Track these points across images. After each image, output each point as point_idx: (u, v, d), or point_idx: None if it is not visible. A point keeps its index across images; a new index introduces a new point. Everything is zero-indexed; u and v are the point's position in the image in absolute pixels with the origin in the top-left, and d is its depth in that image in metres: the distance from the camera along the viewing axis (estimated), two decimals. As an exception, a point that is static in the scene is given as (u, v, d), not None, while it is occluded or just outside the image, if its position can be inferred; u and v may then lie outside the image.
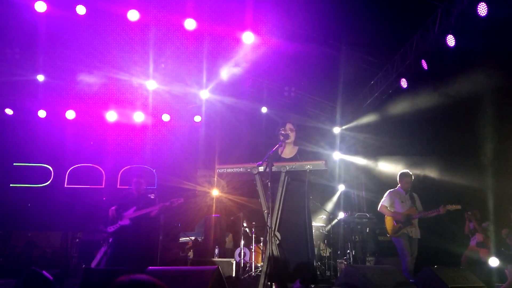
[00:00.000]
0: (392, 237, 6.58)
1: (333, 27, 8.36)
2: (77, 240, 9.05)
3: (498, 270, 6.85)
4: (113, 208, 6.71)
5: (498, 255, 7.27)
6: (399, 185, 6.81)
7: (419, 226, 6.57)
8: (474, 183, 7.62)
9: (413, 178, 6.80)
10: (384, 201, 6.78)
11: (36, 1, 8.04)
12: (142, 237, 7.19)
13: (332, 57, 8.97)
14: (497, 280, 6.56)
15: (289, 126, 5.45)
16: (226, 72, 9.50)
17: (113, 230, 6.64)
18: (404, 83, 8.46)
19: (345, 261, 8.37)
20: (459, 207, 6.28)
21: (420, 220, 6.60)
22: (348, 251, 8.48)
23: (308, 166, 4.85)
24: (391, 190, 6.83)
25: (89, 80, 9.53)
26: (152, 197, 7.12)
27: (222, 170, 5.17)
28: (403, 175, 6.81)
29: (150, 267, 4.60)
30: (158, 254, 7.63)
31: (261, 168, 4.97)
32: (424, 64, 7.76)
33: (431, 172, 8.43)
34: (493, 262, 7.21)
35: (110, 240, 6.79)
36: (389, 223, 6.63)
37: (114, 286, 1.79)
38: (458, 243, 8.04)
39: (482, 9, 6.15)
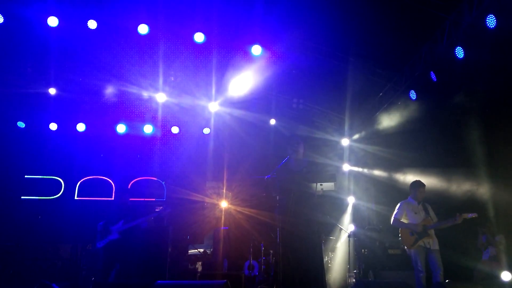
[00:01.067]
0: (408, 250, 6.40)
1: (342, 39, 8.39)
2: (86, 252, 9.07)
3: (511, 284, 6.74)
4: (101, 223, 6.73)
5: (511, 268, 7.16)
6: (410, 195, 6.70)
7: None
8: (486, 194, 7.54)
9: (422, 185, 6.70)
10: (397, 213, 6.59)
11: (49, 16, 8.20)
12: (148, 251, 7.21)
13: (340, 69, 8.99)
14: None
15: (297, 139, 5.48)
16: (236, 87, 9.58)
17: (102, 245, 6.64)
18: (413, 94, 8.44)
19: (354, 274, 8.28)
20: (475, 215, 6.12)
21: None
22: (358, 265, 8.39)
23: (320, 186, 4.87)
24: (403, 201, 6.68)
25: (99, 93, 9.67)
26: (158, 210, 7.15)
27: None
28: (416, 184, 6.67)
29: (159, 281, 4.60)
30: (167, 266, 7.61)
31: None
32: (433, 76, 7.74)
33: (442, 184, 8.36)
34: (506, 276, 7.09)
35: (101, 255, 6.75)
36: (404, 235, 6.43)
37: None
38: (470, 257, 7.91)
39: (491, 21, 6.13)
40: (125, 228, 6.66)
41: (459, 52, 6.85)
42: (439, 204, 6.91)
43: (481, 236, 7.95)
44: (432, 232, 6.33)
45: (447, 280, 5.94)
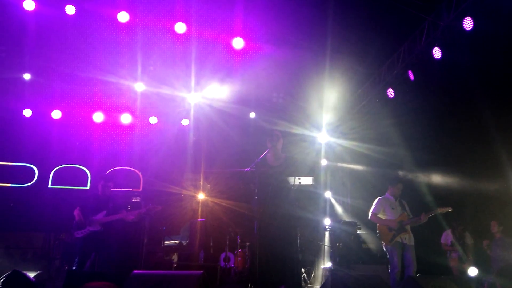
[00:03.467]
0: (385, 245, 6.51)
1: (322, 35, 8.44)
2: (59, 241, 8.95)
3: (477, 279, 6.99)
4: (77, 210, 6.48)
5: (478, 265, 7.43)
6: (387, 192, 6.83)
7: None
8: (456, 191, 7.78)
9: (400, 182, 6.84)
10: (375, 209, 6.71)
11: (25, -1, 7.97)
12: (124, 241, 7.12)
13: (319, 64, 9.06)
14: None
15: (276, 133, 5.51)
16: (216, 78, 9.56)
17: (81, 236, 6.40)
18: (391, 93, 8.59)
19: (329, 268, 8.43)
20: (450, 209, 6.30)
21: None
22: (333, 258, 8.54)
23: (298, 180, 4.93)
24: (380, 197, 6.81)
25: (76, 80, 9.48)
26: (138, 200, 7.06)
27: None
28: (393, 181, 6.83)
29: (135, 271, 4.58)
30: (142, 257, 7.58)
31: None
32: (411, 75, 7.90)
33: (417, 180, 8.57)
34: (472, 271, 7.35)
35: (78, 245, 6.50)
36: (383, 231, 6.54)
37: None
38: (441, 253, 8.16)
39: (468, 23, 6.30)
40: (108, 221, 6.53)
41: (437, 53, 7.01)
42: (414, 200, 7.08)
43: (448, 234, 8.18)
44: (408, 228, 6.48)
45: (418, 275, 6.12)
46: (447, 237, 8.26)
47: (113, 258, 6.82)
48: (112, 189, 6.97)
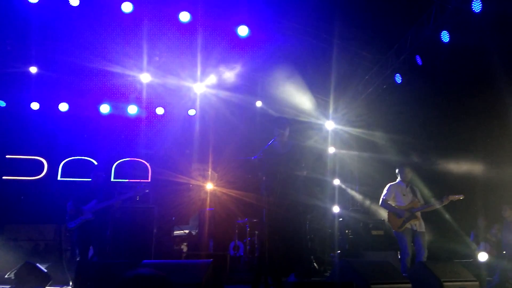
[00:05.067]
0: (395, 231, 6.48)
1: (328, 21, 8.34)
2: (70, 233, 9.03)
3: (487, 264, 6.95)
4: (69, 203, 6.58)
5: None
6: (398, 178, 6.79)
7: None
8: (468, 177, 7.70)
9: (410, 168, 6.79)
10: (385, 195, 6.66)
11: (29, -9, 7.95)
12: (134, 231, 7.17)
13: (326, 51, 8.98)
14: (487, 275, 6.66)
15: (283, 121, 5.49)
16: (222, 68, 9.50)
17: (74, 225, 6.50)
18: (398, 78, 8.50)
19: (339, 255, 8.43)
20: (461, 196, 6.23)
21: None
22: (342, 245, 8.54)
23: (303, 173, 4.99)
24: (391, 183, 6.75)
25: (82, 72, 9.48)
26: (147, 191, 7.09)
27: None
28: (403, 166, 6.79)
29: (145, 260, 4.61)
30: (152, 247, 7.63)
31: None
32: (419, 60, 7.79)
33: (426, 166, 8.50)
34: (482, 256, 7.30)
35: (75, 236, 6.63)
36: (392, 217, 6.51)
37: (122, 281, 1.82)
38: (452, 238, 8.12)
39: (477, 5, 6.18)
40: (99, 208, 6.58)
41: (445, 36, 6.90)
42: (425, 185, 7.03)
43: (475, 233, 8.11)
44: (419, 214, 6.43)
45: (428, 261, 6.10)
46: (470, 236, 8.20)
47: (123, 249, 6.88)
48: (117, 179, 7.03)
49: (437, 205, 6.36)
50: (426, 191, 6.93)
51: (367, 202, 9.96)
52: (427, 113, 8.37)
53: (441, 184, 7.87)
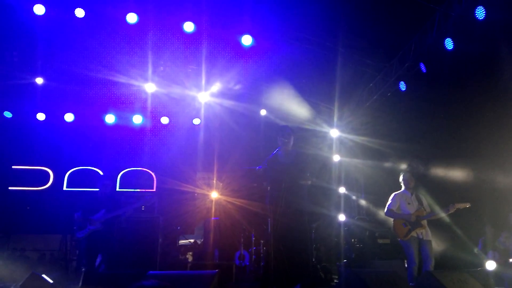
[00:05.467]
0: (401, 240, 6.41)
1: (332, 29, 8.37)
2: (75, 243, 9.04)
3: (495, 273, 6.86)
4: (78, 214, 6.60)
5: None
6: (403, 187, 6.75)
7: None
8: (474, 185, 7.64)
9: (414, 176, 6.75)
10: (390, 204, 6.61)
11: (35, 4, 8.04)
12: (139, 241, 7.17)
13: (330, 60, 9.00)
14: (495, 284, 6.58)
15: (287, 130, 5.48)
16: (226, 77, 9.56)
17: (83, 235, 6.53)
18: (403, 86, 8.49)
19: (345, 264, 8.37)
20: (468, 205, 6.17)
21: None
22: (348, 254, 8.48)
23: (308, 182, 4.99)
24: (396, 192, 6.71)
25: (88, 83, 9.56)
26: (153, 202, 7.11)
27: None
28: (405, 174, 6.76)
29: (151, 271, 4.60)
30: (157, 257, 7.62)
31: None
32: (423, 67, 7.79)
33: (431, 174, 8.45)
34: (490, 265, 7.21)
35: (82, 245, 6.65)
36: (397, 226, 6.45)
37: None
38: (459, 247, 8.03)
39: (480, 13, 6.18)
40: (107, 218, 6.59)
41: (449, 44, 6.90)
42: (431, 194, 6.98)
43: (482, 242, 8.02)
44: (425, 222, 6.37)
45: (435, 270, 6.04)
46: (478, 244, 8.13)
47: (128, 259, 6.87)
48: (123, 189, 7.06)
49: (443, 213, 6.31)
50: (432, 200, 6.87)
51: (373, 211, 9.90)
52: (432, 120, 8.33)
53: (447, 192, 7.81)
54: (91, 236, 6.53)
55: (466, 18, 6.54)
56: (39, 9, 8.10)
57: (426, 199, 6.63)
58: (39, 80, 9.77)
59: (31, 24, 8.38)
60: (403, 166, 8.62)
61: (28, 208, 9.99)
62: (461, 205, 6.17)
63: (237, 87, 10.00)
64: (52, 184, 10.34)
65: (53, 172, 10.41)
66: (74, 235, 6.73)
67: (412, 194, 6.59)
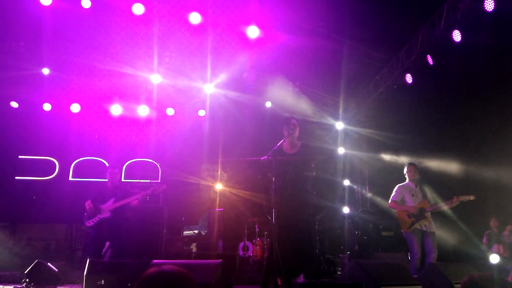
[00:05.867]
0: (404, 232, 6.44)
1: (338, 21, 8.32)
2: (81, 232, 9.12)
3: (499, 266, 6.85)
4: (89, 201, 6.64)
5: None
6: (407, 179, 6.74)
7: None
8: (479, 178, 7.61)
9: (418, 168, 6.74)
10: (394, 196, 6.63)
11: (42, -5, 8.05)
12: (144, 231, 7.21)
13: (336, 51, 8.95)
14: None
15: (293, 121, 5.47)
16: (232, 68, 9.53)
17: (92, 224, 6.57)
18: (409, 78, 8.43)
19: (349, 256, 8.39)
20: (472, 197, 6.16)
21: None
22: (352, 246, 8.50)
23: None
24: (400, 184, 6.71)
25: (94, 74, 9.58)
26: (164, 187, 7.11)
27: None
28: (409, 166, 6.74)
29: (155, 260, 4.63)
30: (162, 247, 7.67)
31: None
32: (430, 60, 7.72)
33: (437, 167, 8.42)
34: (494, 258, 7.21)
35: (91, 234, 6.70)
36: (401, 217, 6.46)
37: (145, 277, 1.86)
38: (467, 240, 8.03)
39: (489, 4, 6.10)
40: (116, 206, 6.64)
41: (456, 36, 6.82)
42: (435, 187, 6.97)
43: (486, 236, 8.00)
44: (429, 214, 6.38)
45: (438, 262, 6.04)
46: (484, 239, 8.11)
47: (133, 248, 6.91)
48: (130, 180, 7.07)
49: (447, 206, 6.30)
50: (436, 192, 6.86)
51: (377, 203, 9.90)
52: (438, 113, 8.29)
53: (452, 184, 7.80)
54: (100, 225, 6.59)
55: (475, 10, 6.46)
56: (46, 0, 8.10)
57: (430, 192, 6.63)
58: (46, 71, 9.80)
59: (38, 15, 8.38)
60: (410, 158, 8.60)
61: (34, 197, 10.07)
62: (465, 198, 6.16)
63: (244, 76, 9.98)
64: (58, 174, 10.40)
65: (59, 162, 10.47)
66: (83, 223, 6.76)
67: (416, 186, 6.59)
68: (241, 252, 8.62)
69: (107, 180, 7.03)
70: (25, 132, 10.26)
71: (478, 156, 7.77)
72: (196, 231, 9.81)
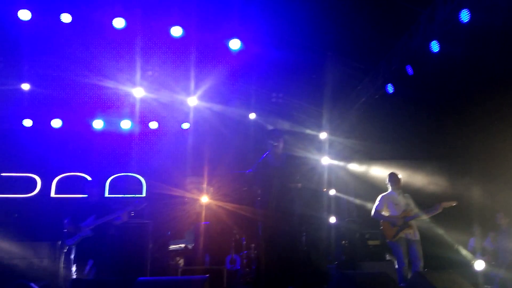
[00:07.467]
0: (389, 241, 6.47)
1: (319, 33, 8.42)
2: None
3: (484, 273, 6.95)
4: (67, 220, 6.51)
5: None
6: (389, 188, 6.80)
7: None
8: (462, 186, 7.73)
9: (400, 177, 6.81)
10: (377, 206, 6.68)
11: (19, 9, 7.94)
12: (129, 248, 7.10)
13: (318, 63, 9.04)
14: (484, 283, 6.66)
15: (277, 134, 5.50)
16: (215, 81, 9.55)
17: (73, 242, 6.44)
18: (390, 88, 8.56)
19: (336, 266, 8.40)
20: (454, 203, 6.25)
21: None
22: (339, 256, 8.51)
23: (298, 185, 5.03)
24: (383, 194, 6.77)
25: (75, 88, 9.48)
26: (145, 205, 7.02)
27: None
28: (390, 175, 6.82)
29: (140, 278, 4.56)
30: (148, 263, 7.56)
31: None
32: (410, 69, 7.85)
33: (419, 176, 8.53)
34: (479, 265, 7.30)
35: (73, 253, 6.53)
36: (386, 227, 6.51)
37: None
38: (448, 247, 8.12)
39: (465, 16, 6.25)
40: (98, 224, 6.51)
41: (435, 46, 6.96)
42: (418, 195, 7.06)
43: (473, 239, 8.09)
44: (413, 223, 6.43)
45: (425, 270, 6.09)
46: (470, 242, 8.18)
47: (118, 265, 6.80)
48: (112, 195, 6.97)
49: (430, 213, 6.37)
50: (419, 200, 6.94)
51: (363, 212, 9.96)
52: (420, 122, 8.41)
53: (434, 192, 7.91)
54: (81, 243, 6.45)
55: (451, 21, 6.61)
56: (24, 15, 8.00)
57: (413, 200, 6.69)
58: (25, 86, 9.65)
59: (17, 29, 8.27)
60: (394, 167, 8.69)
61: (15, 215, 9.85)
62: (447, 204, 6.25)
63: (226, 91, 10.00)
64: (39, 191, 10.21)
65: (40, 178, 10.28)
66: (64, 242, 6.61)
67: (399, 195, 6.65)
68: (228, 266, 8.56)
69: (86, 196, 6.90)
70: (5, 148, 10.07)
71: (460, 163, 7.90)
72: (182, 245, 9.71)
